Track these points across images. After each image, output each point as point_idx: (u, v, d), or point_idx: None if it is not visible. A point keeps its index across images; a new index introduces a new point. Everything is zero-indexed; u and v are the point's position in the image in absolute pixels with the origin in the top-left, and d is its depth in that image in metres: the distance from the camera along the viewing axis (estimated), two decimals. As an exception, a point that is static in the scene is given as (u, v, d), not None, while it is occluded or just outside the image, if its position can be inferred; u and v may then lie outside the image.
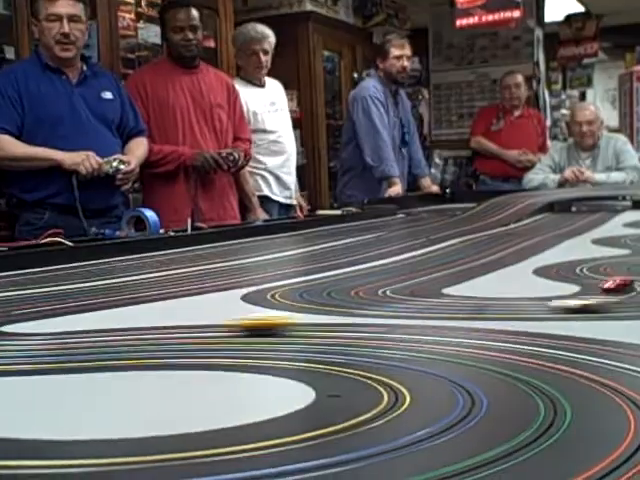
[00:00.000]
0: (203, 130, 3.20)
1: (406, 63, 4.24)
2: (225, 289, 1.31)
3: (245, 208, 3.47)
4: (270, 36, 3.64)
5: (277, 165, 3.72)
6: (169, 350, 0.86)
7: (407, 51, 4.26)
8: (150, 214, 2.13)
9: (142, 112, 2.98)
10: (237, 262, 1.71)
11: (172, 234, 2.14)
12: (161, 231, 2.15)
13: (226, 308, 1.16)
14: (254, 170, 3.59)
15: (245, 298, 1.19)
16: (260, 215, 3.43)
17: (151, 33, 3.95)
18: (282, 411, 0.60)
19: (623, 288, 1.06)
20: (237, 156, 3.16)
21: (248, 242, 2.18)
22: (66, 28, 2.50)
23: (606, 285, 1.07)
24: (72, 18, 2.53)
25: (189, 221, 2.23)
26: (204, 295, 1.26)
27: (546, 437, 0.51)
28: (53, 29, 2.50)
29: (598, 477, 0.44)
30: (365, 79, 4.60)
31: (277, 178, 3.73)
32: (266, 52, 3.60)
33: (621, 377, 0.64)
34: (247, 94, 3.57)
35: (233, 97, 3.34)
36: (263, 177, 3.66)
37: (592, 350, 0.74)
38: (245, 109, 3.52)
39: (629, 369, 0.67)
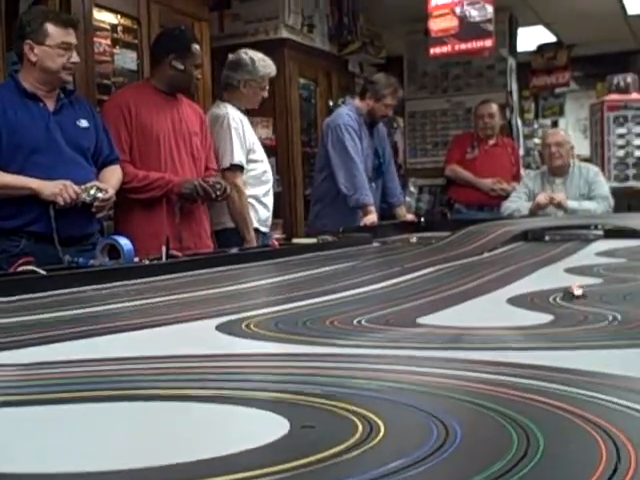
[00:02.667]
0: (182, 157, 3.20)
1: (390, 112, 4.35)
2: (200, 319, 1.30)
3: (243, 240, 3.47)
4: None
5: (263, 193, 3.74)
6: (143, 381, 0.85)
7: (396, 101, 4.37)
8: (124, 242, 2.12)
9: (124, 134, 2.98)
10: (212, 291, 1.71)
11: (147, 262, 2.13)
12: (135, 259, 2.14)
13: (200, 338, 1.15)
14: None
15: (220, 328, 1.19)
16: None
17: (127, 59, 3.96)
18: (257, 442, 0.60)
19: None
20: (223, 185, 3.16)
21: (223, 271, 2.17)
22: (76, 57, 2.60)
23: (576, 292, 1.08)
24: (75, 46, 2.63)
25: (164, 249, 2.22)
26: (178, 325, 1.25)
27: (520, 467, 0.51)
28: (64, 57, 2.57)
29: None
30: (340, 107, 4.63)
31: (264, 206, 3.74)
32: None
33: (593, 406, 0.65)
34: (245, 123, 3.59)
35: (205, 127, 3.35)
36: (252, 206, 3.66)
37: (564, 379, 0.75)
38: (247, 138, 3.54)
39: (601, 398, 0.67)
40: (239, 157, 3.51)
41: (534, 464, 0.52)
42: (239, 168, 3.51)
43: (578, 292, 1.07)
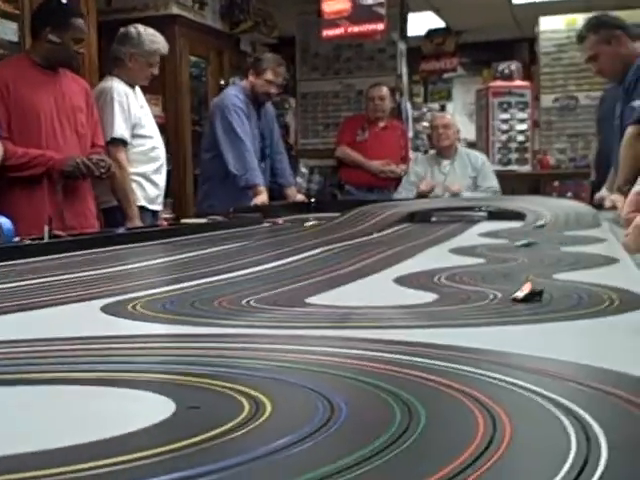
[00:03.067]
0: (66, 133, 3.10)
1: (273, 90, 4.27)
2: (84, 300, 1.27)
3: (125, 217, 3.39)
4: (167, 50, 3.66)
5: (153, 170, 3.66)
6: (25, 364, 0.82)
7: (280, 79, 4.29)
8: (4, 221, 2.04)
9: (1, 111, 2.86)
10: (97, 272, 1.67)
11: (28, 242, 2.06)
12: (16, 239, 2.06)
13: (85, 319, 1.12)
14: (131, 177, 3.51)
15: (105, 309, 1.16)
16: (138, 224, 3.36)
17: (7, 30, 3.79)
18: (142, 424, 0.59)
19: (532, 297, 1.10)
20: (107, 162, 3.08)
21: (109, 251, 2.12)
22: None
23: (516, 295, 1.11)
24: None
25: (46, 229, 2.15)
26: (62, 306, 1.22)
27: (402, 441, 0.52)
28: None
29: (450, 477, 0.46)
30: (228, 87, 4.59)
31: (153, 184, 3.67)
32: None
33: (471, 381, 0.67)
34: (131, 97, 3.50)
35: (91, 102, 3.26)
36: (139, 184, 3.58)
37: (446, 356, 0.77)
38: (132, 113, 3.45)
39: (479, 373, 0.70)
40: (121, 131, 3.43)
41: (416, 437, 0.53)
42: (121, 142, 3.44)
43: (520, 294, 1.11)
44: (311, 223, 2.95)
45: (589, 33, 3.83)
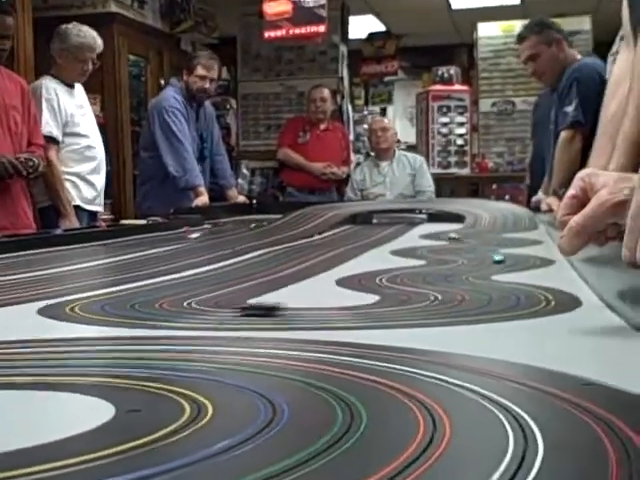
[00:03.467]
0: (-3, 132, 3.04)
1: (208, 85, 4.23)
2: (19, 302, 1.24)
3: (59, 215, 3.33)
4: (101, 46, 3.58)
5: (89, 170, 3.61)
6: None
7: (213, 73, 4.25)
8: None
9: None
10: (33, 274, 1.63)
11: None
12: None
13: (21, 322, 1.10)
14: (65, 177, 3.45)
15: (42, 312, 1.14)
16: (74, 222, 3.31)
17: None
18: (80, 428, 0.58)
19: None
20: (36, 161, 3.03)
21: (45, 252, 2.08)
22: None
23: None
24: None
25: (-21, 229, 2.10)
26: (-4, 309, 1.19)
27: (343, 441, 0.53)
28: None
29: (392, 475, 0.46)
30: (166, 88, 4.55)
31: (89, 184, 3.62)
32: (94, 62, 3.52)
33: (412, 381, 0.68)
34: (62, 95, 3.44)
35: (27, 100, 3.20)
36: (74, 184, 3.52)
37: (386, 357, 0.78)
38: (63, 111, 3.39)
39: (419, 373, 0.70)
40: (49, 129, 3.38)
41: (357, 437, 0.53)
42: (50, 140, 3.39)
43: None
44: (254, 225, 2.94)
45: (531, 33, 3.91)
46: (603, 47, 4.28)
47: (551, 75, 3.90)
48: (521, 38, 3.95)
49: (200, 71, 4.11)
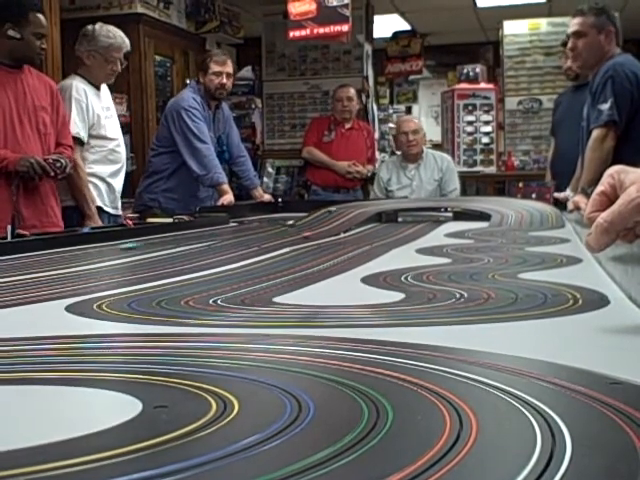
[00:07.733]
0: (26, 133, 3.06)
1: (225, 80, 4.22)
2: (48, 300, 1.25)
3: (83, 216, 3.36)
4: (129, 47, 3.61)
5: (111, 173, 3.63)
6: (-14, 364, 0.81)
7: (228, 68, 4.23)
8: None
9: None
10: (62, 271, 1.65)
11: (-10, 242, 2.03)
12: (-22, 239, 2.03)
13: (49, 319, 1.11)
14: (89, 178, 3.49)
15: (70, 309, 1.15)
16: (98, 223, 3.34)
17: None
18: (108, 424, 0.58)
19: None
20: (64, 162, 3.05)
21: (74, 250, 2.10)
22: None
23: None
24: None
25: (9, 228, 2.12)
26: (25, 306, 1.20)
27: (369, 438, 0.53)
28: None
29: (418, 472, 0.46)
30: (185, 89, 4.56)
31: (109, 187, 3.64)
32: (122, 62, 3.55)
33: (438, 378, 0.68)
34: (91, 96, 3.46)
35: (57, 101, 3.22)
36: (95, 186, 3.55)
37: (412, 354, 0.78)
38: (91, 112, 3.42)
39: (445, 371, 0.70)
40: (76, 129, 3.40)
41: (383, 435, 0.53)
42: (77, 141, 3.41)
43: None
44: (290, 222, 2.94)
45: (589, 13, 3.82)
46: (631, 44, 4.22)
47: (585, 60, 3.80)
48: (578, 12, 3.84)
49: (214, 67, 4.10)
